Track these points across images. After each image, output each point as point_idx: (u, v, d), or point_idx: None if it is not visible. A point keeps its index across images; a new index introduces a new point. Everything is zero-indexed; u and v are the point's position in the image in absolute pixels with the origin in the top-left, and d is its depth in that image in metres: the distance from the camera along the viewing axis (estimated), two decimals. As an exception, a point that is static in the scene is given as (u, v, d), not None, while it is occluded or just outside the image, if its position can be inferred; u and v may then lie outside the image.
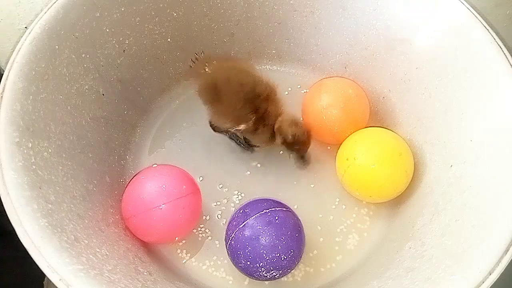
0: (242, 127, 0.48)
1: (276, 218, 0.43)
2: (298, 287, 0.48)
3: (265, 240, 0.42)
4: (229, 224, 0.46)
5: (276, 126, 0.48)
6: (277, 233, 0.42)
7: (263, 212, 0.44)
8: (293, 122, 0.48)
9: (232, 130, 0.50)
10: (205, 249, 0.49)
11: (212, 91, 0.48)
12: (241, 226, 0.43)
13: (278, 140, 0.48)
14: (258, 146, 0.54)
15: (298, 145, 0.48)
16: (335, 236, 0.50)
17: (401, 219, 0.49)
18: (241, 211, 0.45)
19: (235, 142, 0.55)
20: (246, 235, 0.43)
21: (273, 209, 0.44)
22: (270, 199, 0.46)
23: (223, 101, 0.47)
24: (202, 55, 0.51)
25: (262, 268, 0.42)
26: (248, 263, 0.43)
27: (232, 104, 0.47)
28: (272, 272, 0.43)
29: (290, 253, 0.43)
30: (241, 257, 0.43)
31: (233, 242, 0.44)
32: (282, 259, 0.42)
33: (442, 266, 0.37)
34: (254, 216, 0.43)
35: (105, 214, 0.44)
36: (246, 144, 0.54)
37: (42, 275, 0.33)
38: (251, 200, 0.47)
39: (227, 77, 0.47)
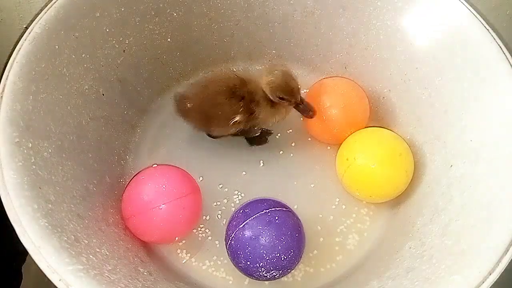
0: (238, 117, 0.48)
1: (276, 218, 0.43)
2: (298, 287, 0.48)
3: (265, 240, 0.42)
4: (229, 224, 0.46)
5: (265, 90, 0.48)
6: (277, 233, 0.42)
7: (263, 212, 0.44)
8: (270, 73, 0.47)
9: (232, 126, 0.50)
10: (205, 249, 0.49)
11: (204, 120, 0.50)
12: (241, 226, 0.43)
13: (273, 98, 0.48)
14: (271, 132, 0.55)
15: (287, 95, 0.47)
16: (335, 236, 0.50)
17: (401, 219, 0.49)
18: (241, 211, 0.45)
19: (246, 138, 0.55)
20: (246, 235, 0.43)
21: (273, 209, 0.44)
22: (270, 199, 0.46)
23: (214, 114, 0.49)
24: (178, 94, 0.53)
25: (262, 268, 0.42)
26: (248, 263, 0.43)
27: (221, 110, 0.48)
28: (272, 272, 0.43)
29: (290, 253, 0.43)
30: (241, 257, 0.43)
31: (233, 242, 0.44)
32: (282, 259, 0.42)
33: (442, 266, 0.37)
34: (254, 216, 0.43)
35: (105, 214, 0.44)
36: (260, 137, 0.55)
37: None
38: (251, 200, 0.47)
39: (208, 99, 0.49)
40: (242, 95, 0.48)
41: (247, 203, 0.47)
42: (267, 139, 0.56)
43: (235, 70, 0.53)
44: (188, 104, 0.51)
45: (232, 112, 0.48)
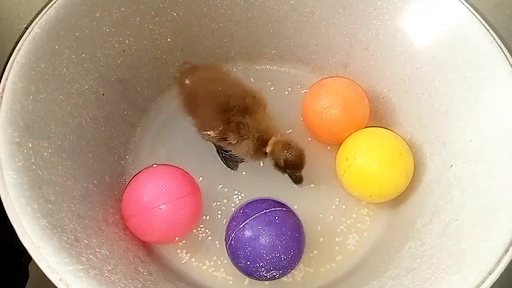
0: (209, 133, 0.48)
1: (276, 218, 0.43)
2: (298, 287, 0.48)
3: (265, 240, 0.42)
4: (229, 224, 0.46)
5: (268, 150, 0.48)
6: (277, 233, 0.42)
7: (263, 212, 0.44)
8: (286, 146, 0.47)
9: (200, 135, 0.50)
10: (205, 249, 0.49)
11: (190, 102, 0.50)
12: (241, 226, 0.43)
13: (271, 162, 0.49)
14: (242, 161, 0.54)
15: (290, 169, 0.48)
16: (335, 236, 0.50)
17: (401, 219, 0.49)
18: (241, 211, 0.45)
19: (219, 156, 0.54)
20: (246, 235, 0.43)
21: (273, 209, 0.44)
22: (270, 199, 0.46)
23: (199, 111, 0.49)
24: (188, 66, 0.52)
25: (262, 268, 0.42)
26: (248, 263, 0.43)
27: (207, 114, 0.48)
28: (272, 272, 0.43)
29: (290, 253, 0.43)
30: (241, 257, 0.43)
31: (233, 242, 0.44)
32: (282, 259, 0.42)
33: (442, 266, 0.37)
34: (254, 216, 0.43)
35: (105, 214, 0.44)
36: (230, 159, 0.54)
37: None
38: (251, 200, 0.47)
39: (205, 89, 0.49)
40: (229, 119, 0.47)
41: (247, 203, 0.47)
42: (237, 166, 0.54)
43: (254, 90, 0.50)
44: (187, 81, 0.51)
45: (210, 121, 0.48)
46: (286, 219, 0.44)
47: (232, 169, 0.54)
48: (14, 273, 0.50)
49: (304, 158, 0.48)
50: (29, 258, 0.50)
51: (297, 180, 0.50)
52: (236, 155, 0.53)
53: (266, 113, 0.50)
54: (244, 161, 0.54)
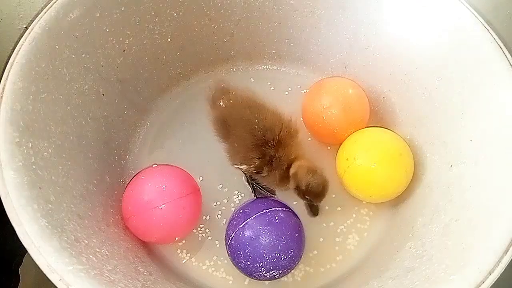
0: (244, 167, 0.46)
1: (276, 218, 0.43)
2: (298, 287, 0.48)
3: (265, 240, 0.42)
4: (229, 224, 0.46)
5: (292, 171, 0.45)
6: (277, 233, 0.42)
7: (263, 212, 0.44)
8: (311, 171, 0.44)
9: (234, 167, 0.48)
10: (205, 249, 0.49)
11: (223, 128, 0.48)
12: (241, 226, 0.43)
13: (292, 185, 0.46)
14: (273, 194, 0.50)
15: (310, 196, 0.45)
16: (335, 236, 0.50)
17: (401, 219, 0.49)
18: (241, 211, 0.45)
19: (250, 186, 0.51)
20: (246, 235, 0.43)
21: (273, 209, 0.44)
22: (270, 199, 0.46)
23: (232, 140, 0.47)
24: (222, 86, 0.50)
25: (262, 268, 0.42)
26: (248, 263, 0.43)
27: (240, 145, 0.46)
28: (272, 272, 0.43)
29: (290, 253, 0.43)
30: (241, 257, 0.43)
31: (233, 242, 0.44)
32: (282, 259, 0.42)
33: (442, 266, 0.37)
34: (254, 216, 0.43)
35: (105, 214, 0.44)
36: (260, 191, 0.50)
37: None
38: (251, 200, 0.47)
39: (240, 117, 0.46)
40: (265, 154, 0.45)
41: (247, 202, 0.47)
42: (260, 194, 0.50)
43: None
44: (221, 103, 0.48)
45: (245, 155, 0.46)
46: (286, 219, 0.44)
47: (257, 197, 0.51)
48: (4, 277, 0.50)
49: (327, 188, 0.45)
50: (19, 262, 0.50)
51: (314, 211, 0.47)
52: (267, 187, 0.50)
53: (298, 142, 0.47)
54: (274, 195, 0.50)
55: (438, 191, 0.45)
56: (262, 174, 0.46)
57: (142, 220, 0.44)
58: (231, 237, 0.44)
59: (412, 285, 0.38)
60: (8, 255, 0.48)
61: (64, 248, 0.34)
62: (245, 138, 0.46)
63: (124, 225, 0.46)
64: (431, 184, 0.47)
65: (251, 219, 0.43)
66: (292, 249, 0.43)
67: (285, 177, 0.46)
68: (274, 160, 0.45)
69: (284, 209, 0.45)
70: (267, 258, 0.42)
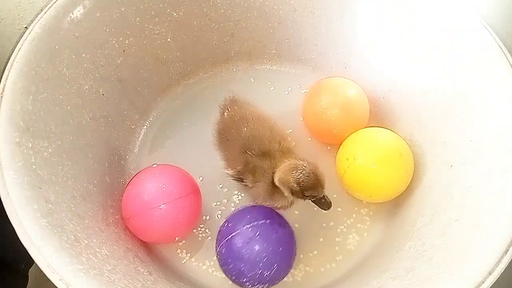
0: (229, 171, 0.46)
1: (257, 233, 0.42)
2: (298, 287, 0.48)
3: (247, 257, 0.42)
4: (217, 236, 0.46)
5: (276, 179, 0.42)
6: (258, 250, 0.42)
7: (244, 227, 0.43)
8: (292, 168, 0.41)
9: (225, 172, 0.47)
10: (205, 249, 0.49)
11: (220, 137, 0.48)
12: (224, 241, 0.43)
13: (286, 192, 0.42)
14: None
15: (308, 191, 0.41)
16: (335, 236, 0.50)
17: (401, 219, 0.49)
18: (225, 224, 0.45)
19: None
20: (227, 253, 0.43)
21: (255, 223, 0.43)
22: (255, 209, 0.45)
23: (224, 148, 0.47)
24: (232, 97, 0.49)
25: (247, 283, 0.43)
26: (234, 278, 0.43)
27: (229, 151, 0.46)
28: (257, 285, 0.43)
29: (273, 268, 0.42)
30: (227, 271, 0.44)
31: (218, 256, 0.44)
32: (265, 275, 0.42)
33: (442, 266, 0.37)
34: (235, 232, 0.43)
35: (105, 214, 0.44)
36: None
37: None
38: (239, 209, 0.47)
39: (236, 127, 0.46)
40: (251, 163, 0.44)
41: (233, 214, 0.46)
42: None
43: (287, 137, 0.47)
44: (226, 113, 0.48)
45: (230, 160, 0.46)
46: (268, 233, 0.42)
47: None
48: (13, 278, 0.50)
49: (320, 175, 0.41)
50: (29, 263, 0.50)
51: (324, 204, 0.42)
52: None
53: (287, 154, 0.44)
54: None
55: (438, 191, 0.45)
56: (247, 184, 0.45)
57: (142, 220, 0.44)
58: (217, 251, 0.45)
59: (412, 285, 0.38)
60: (17, 257, 0.48)
61: (64, 248, 0.34)
62: (234, 144, 0.46)
63: (124, 225, 0.46)
64: (431, 184, 0.47)
65: (233, 235, 0.43)
66: (276, 263, 0.42)
67: (276, 192, 0.43)
68: (258, 169, 0.43)
69: (268, 221, 0.43)
70: (249, 275, 0.42)
